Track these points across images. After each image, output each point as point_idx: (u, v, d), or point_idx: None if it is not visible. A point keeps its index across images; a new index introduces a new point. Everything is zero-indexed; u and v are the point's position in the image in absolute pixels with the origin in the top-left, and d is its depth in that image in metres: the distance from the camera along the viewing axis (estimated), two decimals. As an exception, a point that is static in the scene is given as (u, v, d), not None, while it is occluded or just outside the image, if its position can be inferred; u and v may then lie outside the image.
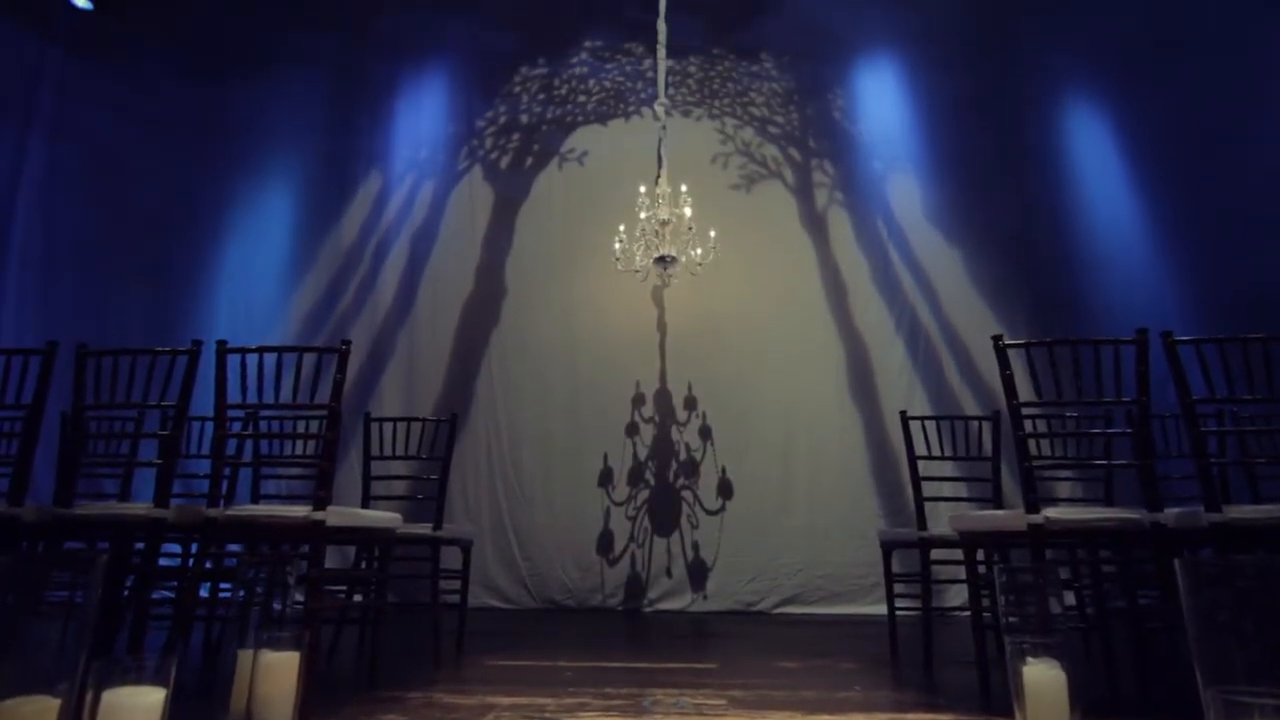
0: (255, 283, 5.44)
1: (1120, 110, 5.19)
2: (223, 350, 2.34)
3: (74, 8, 5.33)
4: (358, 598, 3.06)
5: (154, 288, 5.28)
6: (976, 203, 5.25)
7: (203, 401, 2.57)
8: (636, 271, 4.60)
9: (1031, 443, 2.21)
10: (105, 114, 5.42)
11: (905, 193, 5.35)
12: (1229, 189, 4.77)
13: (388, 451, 3.26)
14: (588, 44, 5.72)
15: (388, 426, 3.28)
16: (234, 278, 5.46)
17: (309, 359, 2.39)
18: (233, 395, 2.37)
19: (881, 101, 5.52)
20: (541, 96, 5.67)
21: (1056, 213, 5.19)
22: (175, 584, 2.96)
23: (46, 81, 5.33)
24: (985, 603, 2.29)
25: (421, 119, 5.70)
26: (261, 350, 2.32)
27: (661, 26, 4.86)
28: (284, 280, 5.46)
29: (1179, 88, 4.95)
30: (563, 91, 5.68)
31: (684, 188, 4.53)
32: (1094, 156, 5.25)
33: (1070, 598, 2.83)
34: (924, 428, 3.22)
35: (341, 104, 5.67)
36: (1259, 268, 4.55)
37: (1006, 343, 2.25)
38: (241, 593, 1.83)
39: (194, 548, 2.90)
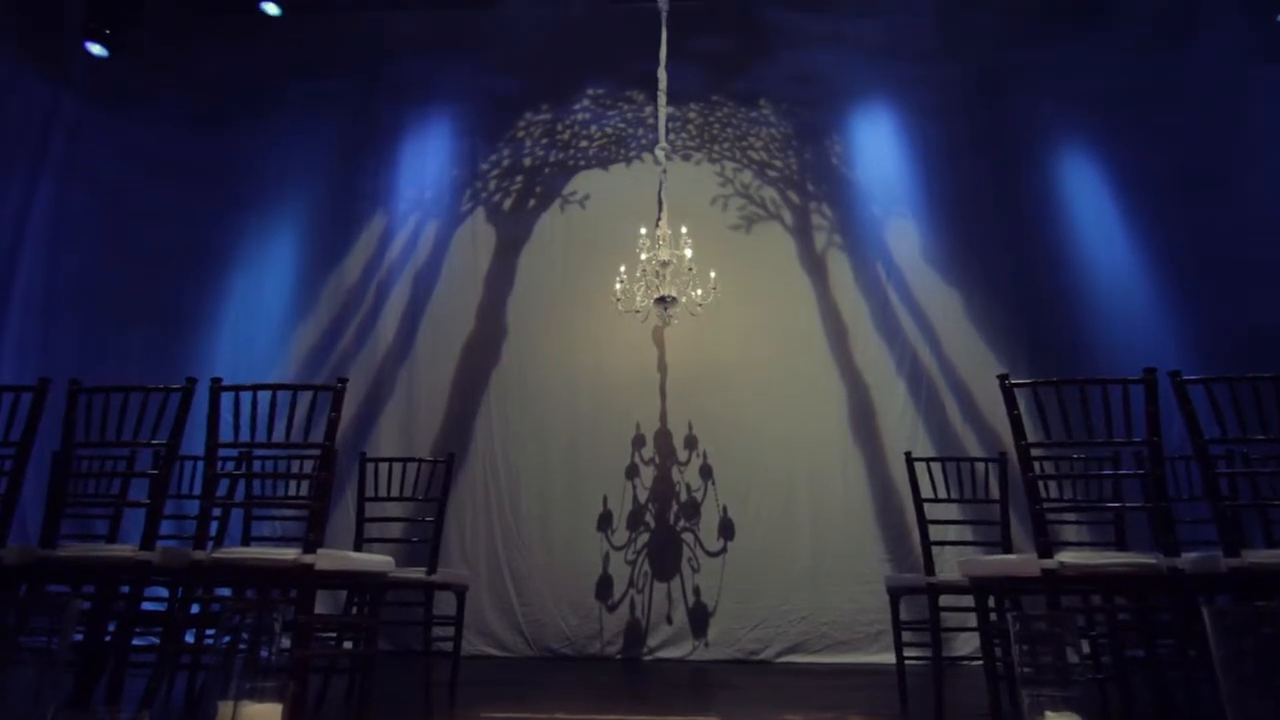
0: (257, 323, 5.44)
1: (1114, 155, 5.26)
2: (217, 388, 2.31)
3: (90, 55, 5.46)
4: (348, 645, 2.96)
5: (156, 328, 5.28)
6: (975, 246, 5.28)
7: (200, 441, 2.52)
8: (637, 312, 4.60)
9: (1040, 484, 2.16)
10: (115, 157, 5.51)
11: (904, 236, 5.39)
12: (1224, 232, 4.81)
13: (383, 493, 3.20)
14: (590, 91, 5.84)
15: (383, 467, 3.23)
16: (236, 318, 5.46)
17: (307, 398, 2.35)
18: (229, 434, 2.33)
19: (878, 147, 5.60)
20: (544, 141, 5.77)
21: (1055, 255, 5.21)
22: (162, 630, 2.87)
23: (59, 125, 5.43)
24: (998, 652, 2.20)
25: (426, 162, 5.78)
26: (256, 388, 2.28)
27: (662, 75, 4.97)
28: (286, 320, 5.46)
29: (1171, 134, 5.04)
30: (565, 136, 5.78)
31: (684, 229, 4.56)
32: (1090, 199, 5.30)
33: (1084, 646, 2.73)
34: (929, 469, 3.16)
35: (348, 148, 5.76)
36: (1258, 310, 4.56)
37: (1013, 382, 2.22)
38: (225, 639, 1.76)
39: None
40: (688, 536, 4.87)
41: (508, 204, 5.67)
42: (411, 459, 3.32)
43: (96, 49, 5.44)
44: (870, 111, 5.67)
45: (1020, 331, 5.09)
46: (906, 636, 3.08)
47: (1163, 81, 5.09)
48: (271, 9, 5.56)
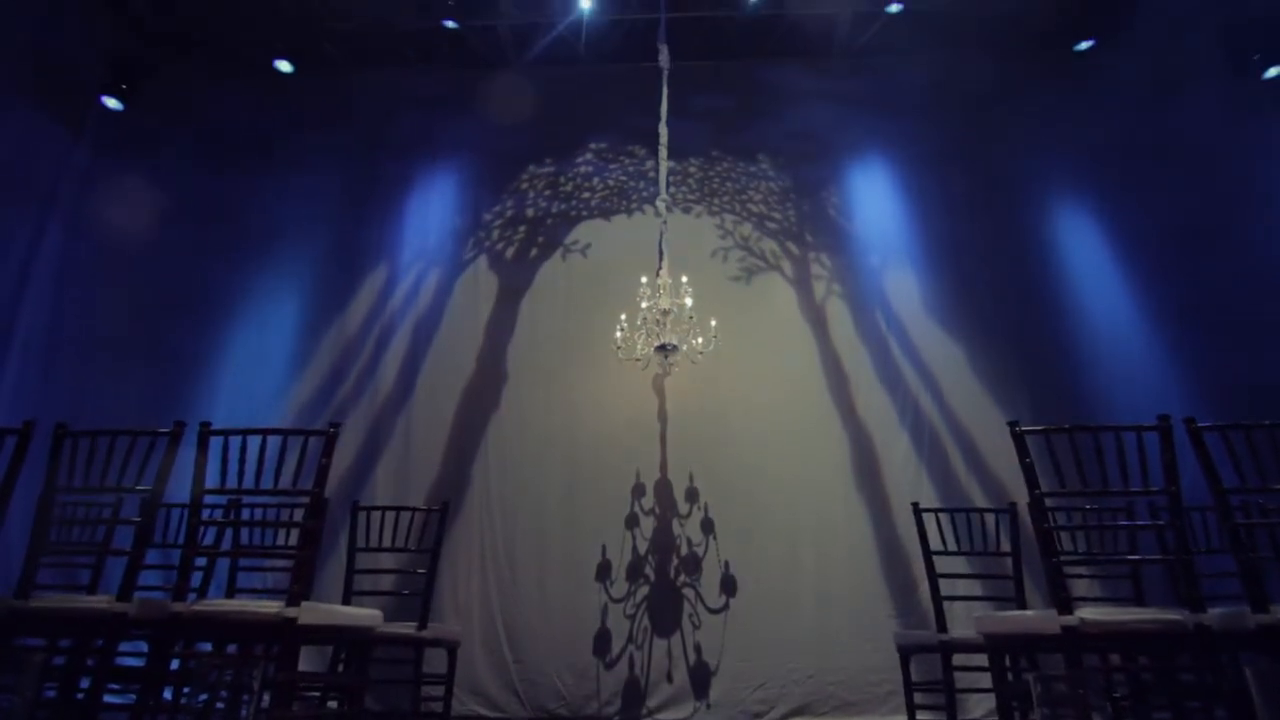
0: (258, 370, 5.41)
1: (1111, 207, 5.32)
2: (205, 432, 2.25)
3: (105, 107, 5.60)
4: (332, 704, 2.82)
5: (157, 373, 5.24)
6: (975, 295, 5.29)
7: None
8: (637, 359, 4.57)
9: (1055, 536, 2.08)
10: (122, 205, 5.57)
11: (903, 286, 5.41)
12: (1222, 284, 4.82)
13: (374, 542, 3.10)
14: (593, 145, 5.96)
15: (375, 516, 3.14)
16: (237, 365, 5.43)
17: (300, 444, 2.29)
18: (223, 481, 2.26)
19: (876, 199, 5.68)
20: (547, 192, 5.85)
21: (1054, 305, 5.22)
22: (140, 687, 2.73)
23: (71, 173, 5.52)
24: (1017, 716, 2.08)
25: (430, 213, 5.85)
26: (245, 433, 2.23)
27: (663, 130, 5.08)
28: (287, 367, 5.43)
29: (1166, 187, 5.10)
30: (568, 188, 5.86)
31: (684, 278, 4.57)
32: (1088, 251, 5.33)
33: (1108, 708, 2.59)
34: (937, 520, 3.08)
35: (353, 199, 5.84)
36: (1258, 362, 4.53)
37: (1025, 429, 2.16)
38: (202, 698, 1.67)
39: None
40: (689, 591, 4.72)
41: (510, 252, 5.71)
42: (405, 508, 3.24)
43: (112, 103, 5.58)
44: (867, 165, 5.77)
45: (1022, 382, 5.04)
46: (918, 698, 2.94)
47: (1156, 134, 5.19)
48: (285, 67, 5.72)
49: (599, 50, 5.87)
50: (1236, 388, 4.39)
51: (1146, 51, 5.34)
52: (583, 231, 5.71)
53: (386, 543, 3.10)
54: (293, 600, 2.03)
